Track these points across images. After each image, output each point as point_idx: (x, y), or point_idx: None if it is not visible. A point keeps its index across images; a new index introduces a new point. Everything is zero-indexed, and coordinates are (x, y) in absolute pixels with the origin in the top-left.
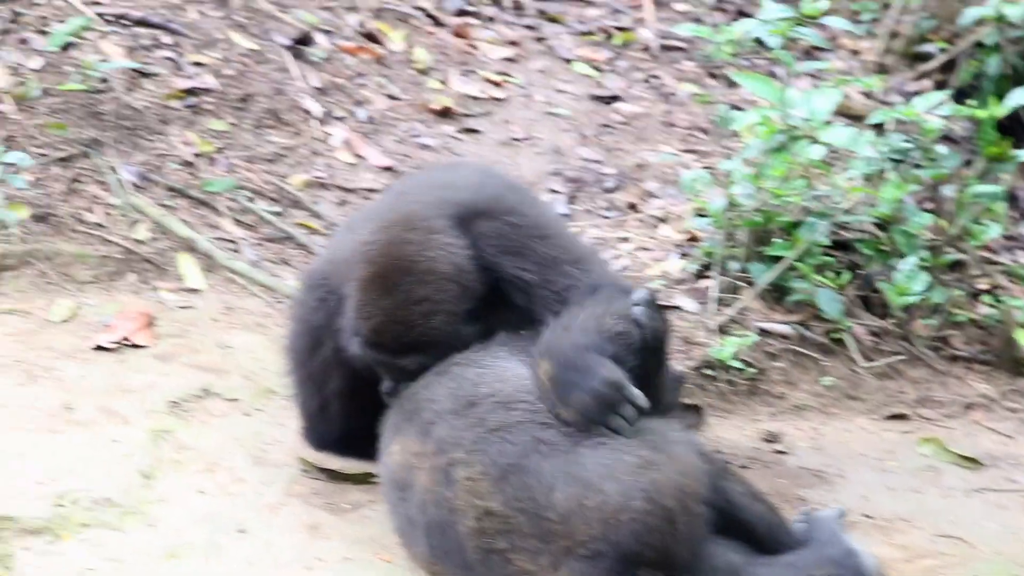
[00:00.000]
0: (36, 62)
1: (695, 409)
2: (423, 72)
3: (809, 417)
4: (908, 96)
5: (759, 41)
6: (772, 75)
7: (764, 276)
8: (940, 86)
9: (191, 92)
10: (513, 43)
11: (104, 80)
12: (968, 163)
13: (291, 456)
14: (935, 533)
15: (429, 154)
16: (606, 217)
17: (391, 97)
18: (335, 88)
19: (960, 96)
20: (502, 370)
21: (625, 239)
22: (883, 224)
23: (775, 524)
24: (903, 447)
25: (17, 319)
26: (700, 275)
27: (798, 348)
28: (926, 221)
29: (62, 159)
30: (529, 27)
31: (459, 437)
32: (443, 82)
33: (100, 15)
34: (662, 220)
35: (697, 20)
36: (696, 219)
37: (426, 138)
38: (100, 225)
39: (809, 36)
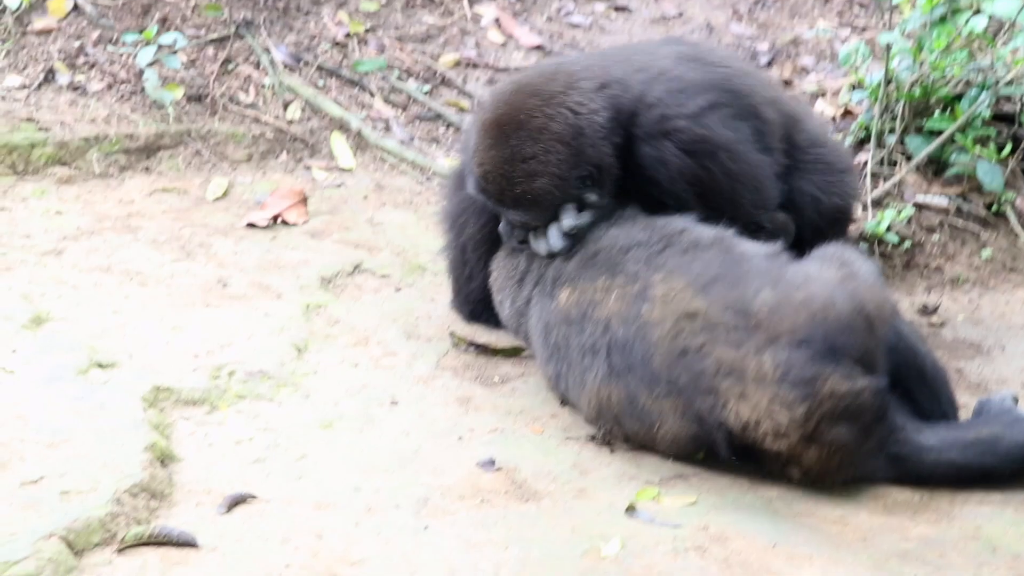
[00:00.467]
0: None
1: None
2: None
3: (967, 290)
4: None
5: None
6: None
7: (922, 149)
8: None
9: None
10: None
11: None
12: None
13: (442, 331)
14: None
15: (579, 32)
16: None
17: None
18: None
19: None
20: (679, 219)
21: None
22: None
23: (942, 372)
24: None
25: (173, 197)
26: (856, 149)
27: (956, 221)
28: None
29: (216, 40)
30: None
31: (657, 265)
32: None
33: None
34: (818, 95)
35: None
36: (852, 94)
37: (576, 16)
38: (253, 105)
39: None
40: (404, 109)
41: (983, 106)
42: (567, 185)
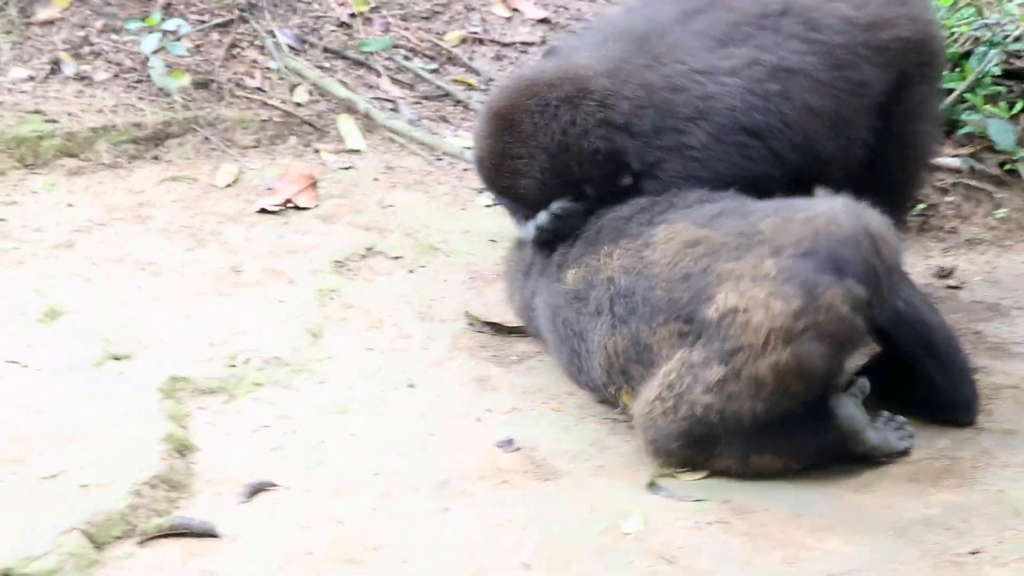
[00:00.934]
0: None
1: None
2: None
3: (983, 251)
4: None
5: None
6: None
7: None
8: None
9: None
10: None
11: None
12: None
13: (456, 311)
14: None
15: (585, 4)
16: None
17: None
18: None
19: None
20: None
21: None
22: None
23: (955, 343)
24: None
25: (183, 185)
26: None
27: (969, 181)
28: None
29: (220, 25)
30: None
31: (661, 220)
32: None
33: None
34: None
35: None
36: None
37: None
38: (260, 89)
39: None
40: (411, 88)
41: (992, 63)
42: (550, 190)
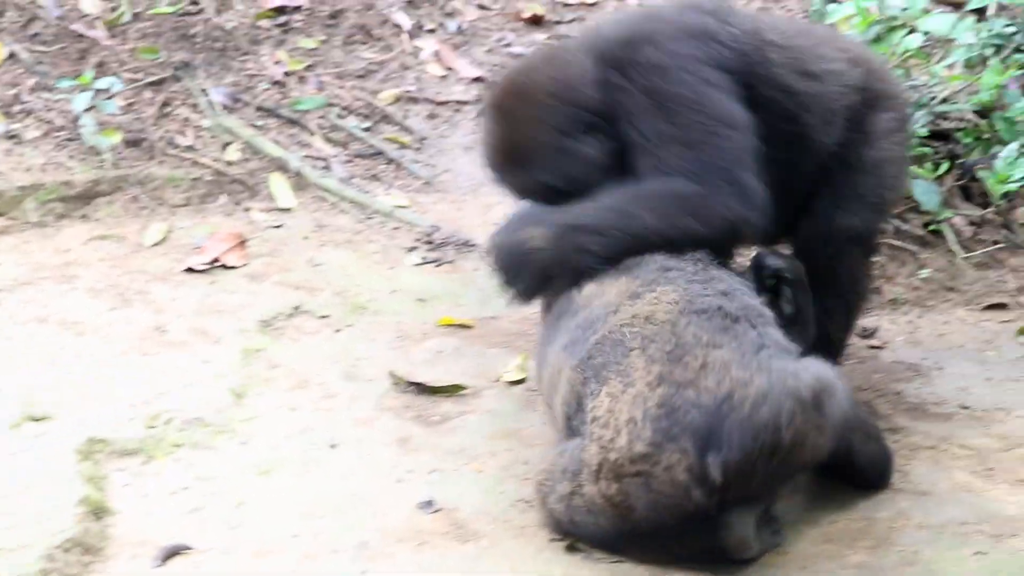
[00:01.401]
0: None
1: None
2: None
3: (905, 311)
4: None
5: None
6: None
7: None
8: None
9: (280, 11)
10: None
11: (194, 2)
12: None
13: (382, 371)
14: None
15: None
16: None
17: (481, 7)
18: (425, 0)
19: None
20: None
21: None
22: (984, 112)
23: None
24: (1002, 337)
25: (110, 244)
26: None
27: (894, 241)
28: None
29: (153, 83)
30: None
31: (668, 279)
32: None
33: None
34: None
35: None
36: None
37: (517, 47)
38: (191, 148)
39: None
40: (344, 147)
41: (919, 124)
42: (566, 137)
